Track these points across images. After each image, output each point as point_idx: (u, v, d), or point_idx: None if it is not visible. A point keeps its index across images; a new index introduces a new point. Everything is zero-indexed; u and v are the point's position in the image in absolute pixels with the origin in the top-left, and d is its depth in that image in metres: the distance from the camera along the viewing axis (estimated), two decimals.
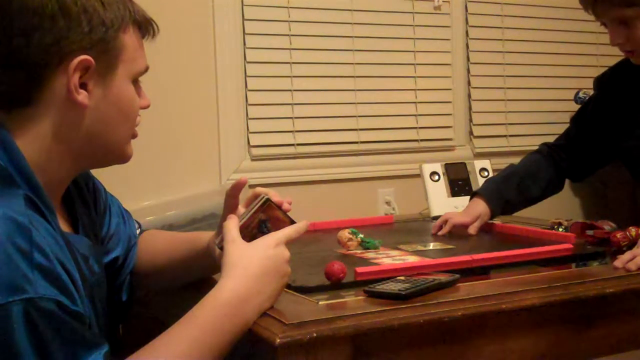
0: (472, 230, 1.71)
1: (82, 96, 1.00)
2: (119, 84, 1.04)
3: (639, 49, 1.62)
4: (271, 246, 1.07)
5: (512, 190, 1.80)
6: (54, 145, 1.01)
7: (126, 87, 1.06)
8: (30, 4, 0.97)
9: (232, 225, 1.09)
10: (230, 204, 1.20)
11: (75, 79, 0.99)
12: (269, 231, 1.11)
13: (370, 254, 1.49)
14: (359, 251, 1.52)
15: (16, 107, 1.00)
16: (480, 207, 1.75)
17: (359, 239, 1.55)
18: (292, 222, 1.14)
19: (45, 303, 0.86)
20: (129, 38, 1.05)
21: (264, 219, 1.13)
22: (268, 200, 1.13)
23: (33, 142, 1.00)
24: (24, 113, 1.00)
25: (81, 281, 0.98)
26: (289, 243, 1.10)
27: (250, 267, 1.04)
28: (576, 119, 1.90)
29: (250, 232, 1.11)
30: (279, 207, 1.14)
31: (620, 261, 1.30)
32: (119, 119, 1.06)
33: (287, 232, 1.11)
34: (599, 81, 1.86)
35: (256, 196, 1.15)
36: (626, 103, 1.74)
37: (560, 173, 1.86)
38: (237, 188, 1.19)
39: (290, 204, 1.17)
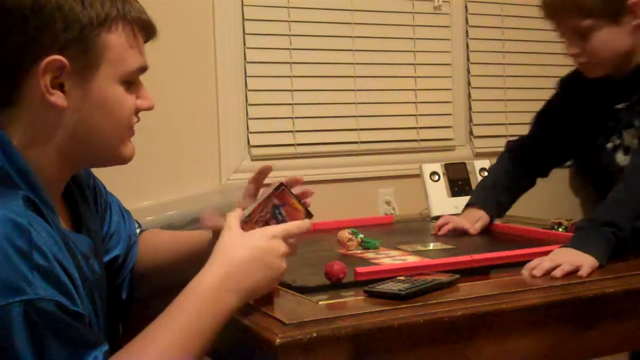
0: (473, 230, 1.71)
1: (56, 97, 0.98)
2: (101, 84, 1.01)
3: (592, 61, 1.60)
4: (265, 237, 1.06)
5: (503, 194, 1.80)
6: (37, 145, 1.00)
7: (111, 88, 1.02)
8: (5, 4, 0.96)
9: (234, 216, 1.09)
10: (250, 188, 1.19)
11: (47, 79, 0.97)
12: (282, 218, 1.11)
13: (370, 254, 1.49)
14: (359, 251, 1.52)
15: (1, 106, 1.00)
16: (479, 213, 1.76)
17: (358, 239, 1.55)
18: (308, 213, 1.13)
19: (45, 304, 0.86)
20: (116, 37, 1.02)
21: (277, 205, 1.12)
22: (282, 185, 1.13)
23: (18, 141, 0.99)
24: (9, 113, 1.00)
25: (81, 280, 0.98)
26: (290, 238, 1.09)
27: (234, 254, 1.04)
28: (539, 119, 1.88)
29: (264, 216, 1.11)
30: (295, 195, 1.14)
31: (526, 268, 1.29)
32: (106, 121, 1.03)
33: (288, 227, 1.10)
34: (563, 83, 1.84)
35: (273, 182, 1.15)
36: (588, 108, 1.72)
37: (529, 170, 1.85)
38: (262, 174, 1.18)
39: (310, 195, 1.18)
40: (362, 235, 1.56)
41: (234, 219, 1.09)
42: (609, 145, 1.66)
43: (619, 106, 1.64)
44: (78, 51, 0.98)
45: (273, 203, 1.12)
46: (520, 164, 1.83)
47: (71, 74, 0.99)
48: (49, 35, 0.97)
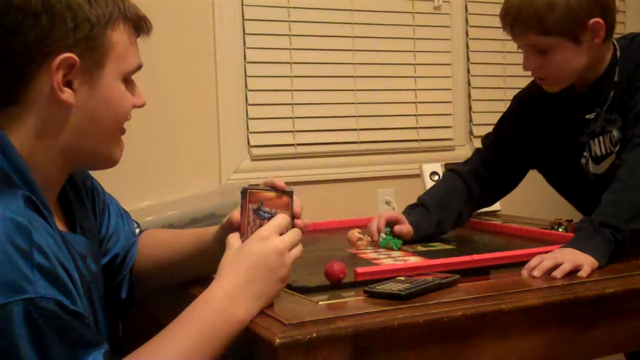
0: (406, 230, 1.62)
1: (66, 94, 0.99)
2: (107, 82, 1.03)
3: (551, 78, 1.59)
4: (258, 240, 1.07)
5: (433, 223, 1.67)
6: (42, 143, 1.01)
7: (115, 85, 1.04)
8: (14, 2, 0.96)
9: (233, 235, 1.10)
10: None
11: (59, 77, 0.98)
12: (270, 214, 1.12)
13: (372, 254, 1.49)
14: (368, 250, 1.53)
15: (3, 105, 1.00)
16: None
17: (368, 239, 1.55)
18: (285, 192, 1.13)
19: (46, 303, 0.87)
20: (119, 35, 1.04)
21: (256, 208, 1.12)
22: (245, 190, 1.13)
23: (21, 141, 0.99)
24: (11, 112, 1.00)
25: (79, 280, 0.98)
26: (284, 228, 1.09)
27: (237, 266, 1.05)
28: (492, 144, 1.80)
29: (255, 225, 1.11)
30: (264, 187, 1.14)
31: (526, 268, 1.28)
32: (108, 118, 1.05)
33: (275, 221, 1.10)
34: (519, 98, 1.79)
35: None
36: (548, 121, 1.70)
37: (469, 201, 1.73)
38: None
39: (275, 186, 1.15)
40: (383, 234, 1.56)
41: (234, 238, 1.10)
42: (583, 160, 1.65)
43: (589, 116, 1.61)
44: (87, 49, 1.00)
45: (251, 209, 1.12)
46: (465, 190, 1.72)
47: (80, 72, 1.00)
48: (60, 33, 0.97)
